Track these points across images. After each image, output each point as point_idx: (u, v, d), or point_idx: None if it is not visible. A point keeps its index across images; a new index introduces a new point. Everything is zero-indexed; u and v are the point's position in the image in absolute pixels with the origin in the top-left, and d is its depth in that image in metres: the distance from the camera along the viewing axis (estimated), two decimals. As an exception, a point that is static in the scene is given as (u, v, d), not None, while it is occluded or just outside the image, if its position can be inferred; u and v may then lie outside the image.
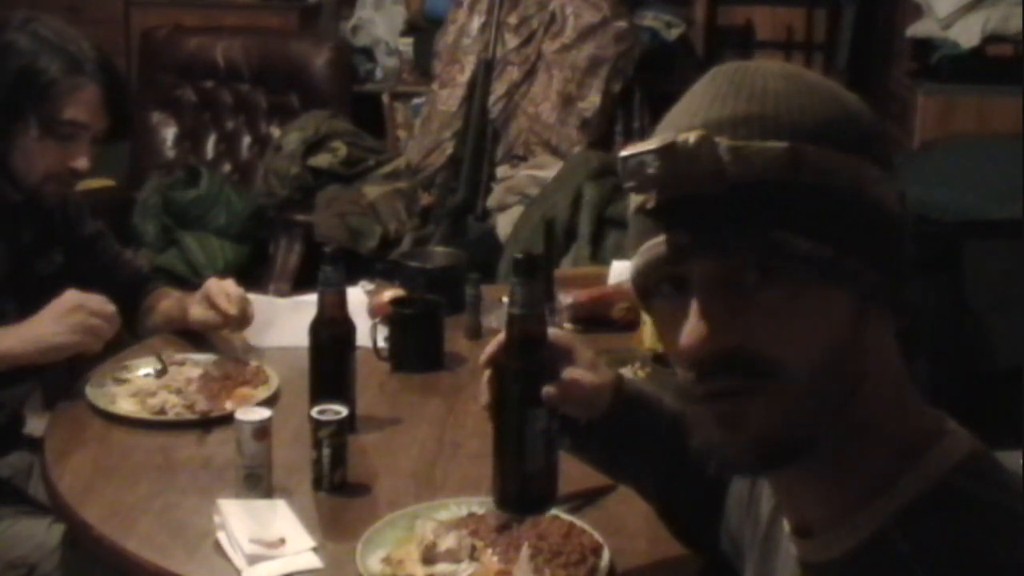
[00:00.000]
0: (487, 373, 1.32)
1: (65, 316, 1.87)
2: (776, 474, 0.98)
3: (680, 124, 0.91)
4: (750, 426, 0.89)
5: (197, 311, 2.10)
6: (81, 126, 1.99)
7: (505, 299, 1.37)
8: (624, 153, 0.90)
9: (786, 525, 1.00)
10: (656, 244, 0.90)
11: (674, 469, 1.36)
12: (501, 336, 1.31)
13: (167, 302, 2.21)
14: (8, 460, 2.09)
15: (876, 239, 0.90)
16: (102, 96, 2.00)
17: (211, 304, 2.08)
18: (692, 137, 0.86)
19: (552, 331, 1.34)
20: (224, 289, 2.08)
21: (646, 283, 0.94)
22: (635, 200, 0.93)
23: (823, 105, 0.91)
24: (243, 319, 2.09)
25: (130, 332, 2.08)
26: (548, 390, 1.28)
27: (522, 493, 1.33)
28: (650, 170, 0.88)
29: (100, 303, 1.89)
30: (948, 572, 0.85)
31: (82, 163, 2.01)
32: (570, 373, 1.32)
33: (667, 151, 0.87)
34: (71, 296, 1.89)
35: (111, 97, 2.02)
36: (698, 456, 1.19)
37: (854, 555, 0.91)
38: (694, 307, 0.89)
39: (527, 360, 1.29)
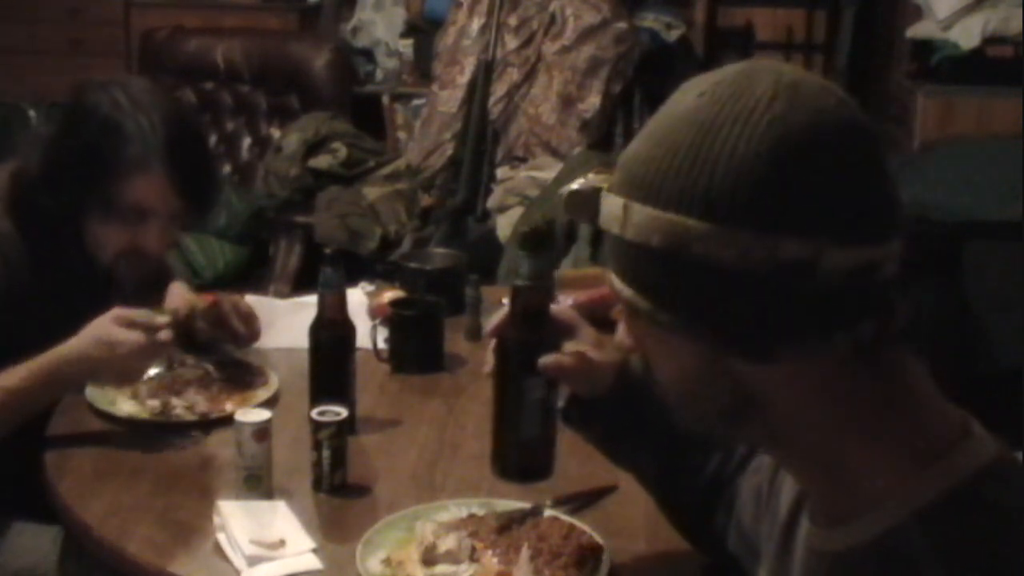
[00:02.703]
0: (493, 342, 1.36)
1: (93, 360, 1.80)
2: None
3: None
4: None
5: (204, 327, 2.03)
6: (147, 211, 1.90)
7: (505, 300, 1.39)
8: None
9: (805, 514, 1.01)
10: None
11: (675, 459, 1.36)
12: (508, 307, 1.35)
13: (172, 301, 2.19)
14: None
15: (701, 297, 0.89)
16: (170, 179, 1.88)
17: (221, 321, 2.04)
18: (567, 190, 1.01)
19: (557, 307, 1.39)
20: (236, 305, 2.06)
21: None
22: None
23: (682, 155, 0.90)
24: (252, 337, 2.08)
25: None
26: (545, 358, 1.31)
27: (519, 462, 1.37)
28: None
29: (128, 352, 1.78)
30: (964, 572, 0.86)
31: (152, 244, 1.92)
32: (571, 347, 1.35)
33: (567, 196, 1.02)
34: (104, 337, 1.78)
35: (184, 178, 1.89)
36: (700, 448, 1.22)
37: (871, 546, 0.91)
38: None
39: (528, 330, 1.33)
